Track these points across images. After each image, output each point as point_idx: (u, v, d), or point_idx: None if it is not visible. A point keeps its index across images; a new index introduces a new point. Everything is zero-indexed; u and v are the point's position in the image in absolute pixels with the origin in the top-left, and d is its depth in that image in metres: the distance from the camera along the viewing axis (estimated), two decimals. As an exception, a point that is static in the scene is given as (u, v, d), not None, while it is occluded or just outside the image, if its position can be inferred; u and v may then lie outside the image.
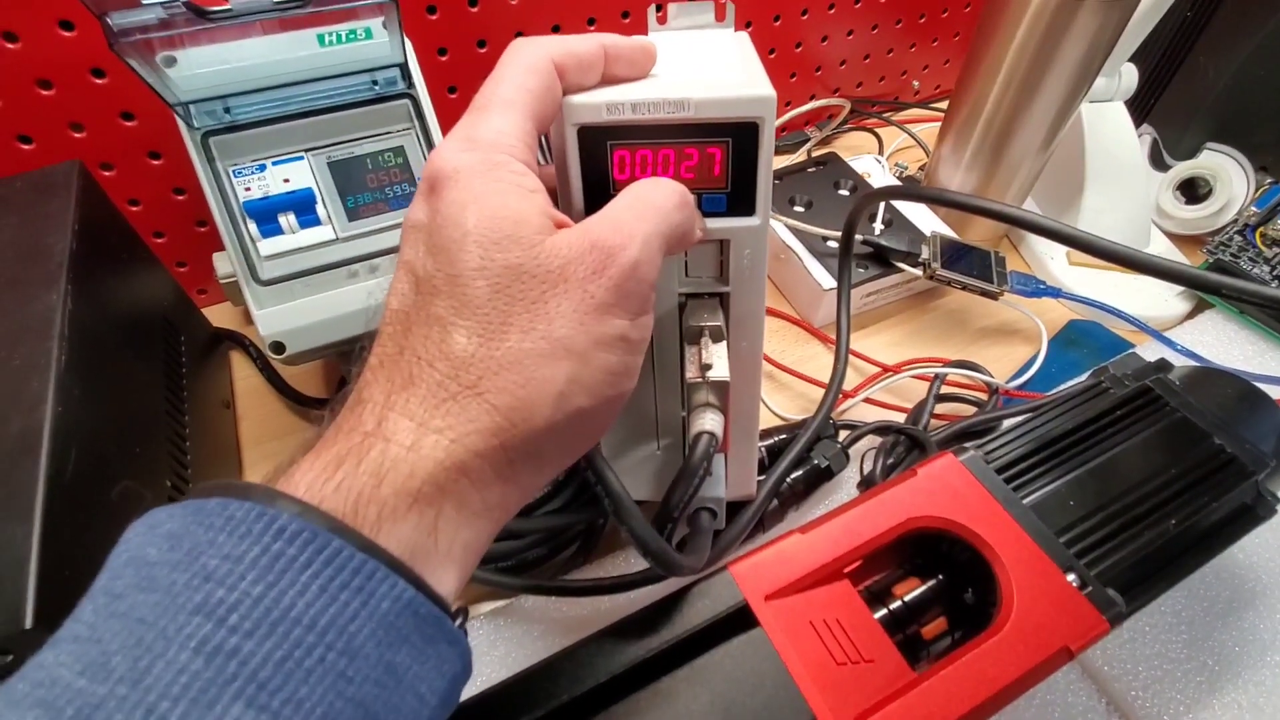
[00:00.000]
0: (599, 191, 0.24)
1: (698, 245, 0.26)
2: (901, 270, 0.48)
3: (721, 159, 0.24)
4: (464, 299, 0.18)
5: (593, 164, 0.24)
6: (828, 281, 0.47)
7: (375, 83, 0.36)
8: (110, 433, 0.29)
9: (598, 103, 0.22)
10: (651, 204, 0.21)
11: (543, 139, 0.24)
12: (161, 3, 0.27)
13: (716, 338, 0.25)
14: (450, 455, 0.17)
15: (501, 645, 0.34)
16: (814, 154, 0.60)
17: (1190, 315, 0.51)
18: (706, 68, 0.26)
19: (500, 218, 0.18)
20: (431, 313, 0.18)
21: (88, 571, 0.24)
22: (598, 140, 0.23)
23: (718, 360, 0.24)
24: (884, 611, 0.27)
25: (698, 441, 0.24)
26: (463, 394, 0.17)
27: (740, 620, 0.25)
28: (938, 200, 0.46)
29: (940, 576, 0.29)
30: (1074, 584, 0.26)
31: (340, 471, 0.16)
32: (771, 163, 0.24)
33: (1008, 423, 0.40)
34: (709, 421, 0.24)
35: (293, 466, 0.17)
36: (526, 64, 0.21)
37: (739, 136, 0.23)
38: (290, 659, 0.14)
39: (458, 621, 0.18)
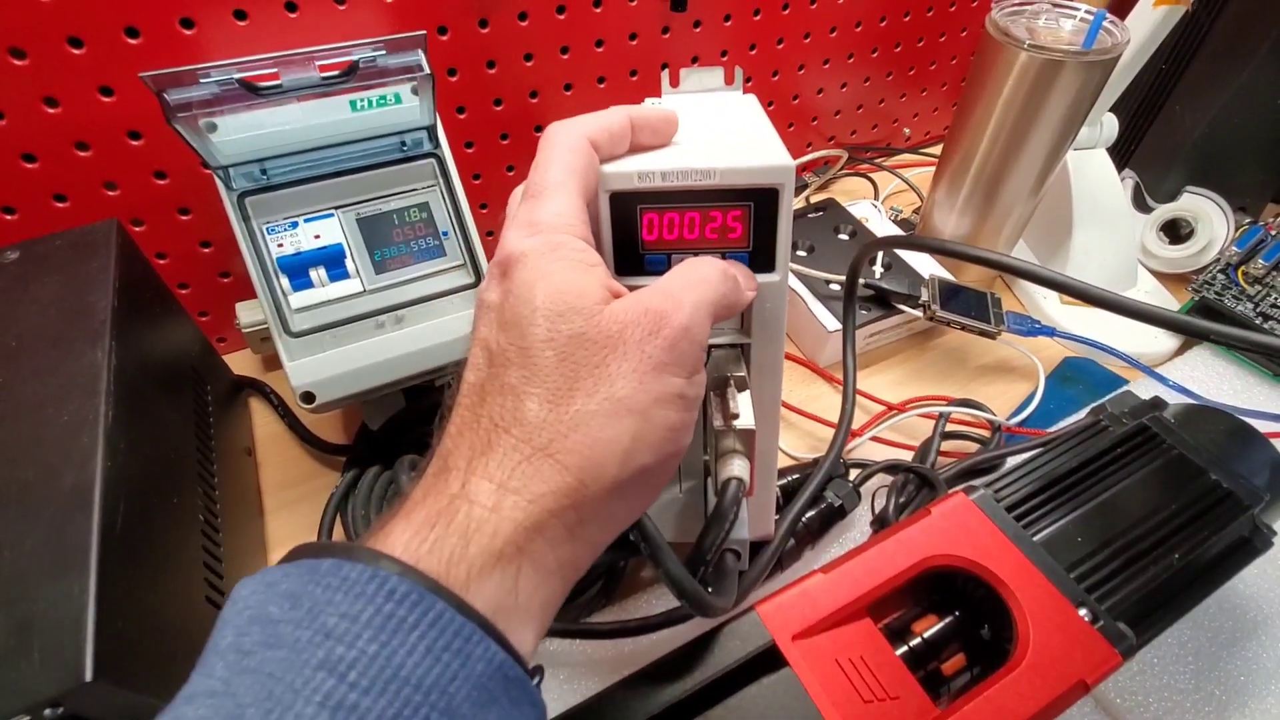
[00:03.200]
0: (628, 250, 0.25)
1: None
2: (902, 311, 0.50)
3: (744, 221, 0.25)
4: (534, 368, 0.19)
5: (623, 226, 0.25)
6: (832, 324, 0.49)
7: (404, 144, 0.38)
8: (152, 484, 0.30)
9: (629, 171, 0.24)
10: (697, 275, 0.22)
11: None
12: (217, 80, 0.29)
13: (741, 387, 0.26)
14: (528, 515, 0.18)
15: (528, 688, 0.34)
16: (813, 200, 0.63)
17: (1180, 351, 0.53)
18: (726, 134, 0.28)
19: (564, 292, 0.20)
20: (505, 382, 0.20)
21: (139, 622, 0.25)
22: (628, 205, 0.25)
23: (744, 409, 0.26)
24: (905, 649, 0.28)
25: (727, 487, 0.25)
26: (536, 456, 0.19)
27: (769, 660, 0.26)
28: (937, 250, 0.48)
29: (957, 613, 0.30)
30: (1086, 618, 0.27)
31: (433, 533, 0.18)
32: (790, 224, 0.25)
33: (1013, 460, 0.41)
34: (737, 468, 0.25)
35: (387, 527, 0.18)
36: (567, 145, 0.23)
37: (760, 201, 0.25)
38: (400, 716, 0.15)
39: (536, 681, 0.19)
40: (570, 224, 0.22)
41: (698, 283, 0.22)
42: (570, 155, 0.23)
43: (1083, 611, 0.27)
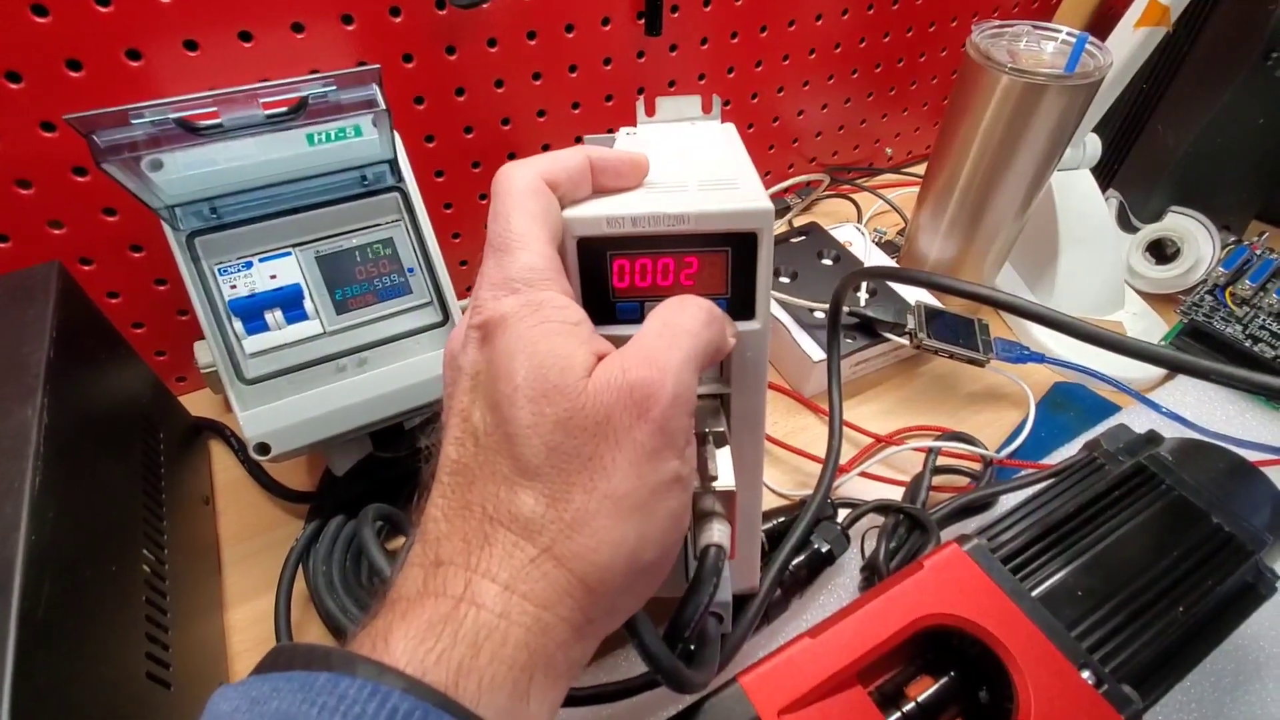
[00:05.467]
0: (599, 298, 0.24)
1: None
2: (888, 340, 0.49)
3: (721, 267, 0.24)
4: (522, 460, 0.18)
5: (592, 273, 0.23)
6: (817, 354, 0.48)
7: (365, 178, 0.36)
8: (86, 555, 0.28)
9: (598, 216, 0.23)
10: (680, 328, 0.21)
11: None
12: (151, 120, 0.27)
13: (720, 443, 0.25)
14: (538, 622, 0.17)
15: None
16: (796, 223, 0.62)
17: (1170, 375, 0.52)
18: (702, 172, 0.26)
19: (546, 366, 0.19)
20: (496, 470, 0.19)
21: (65, 717, 0.23)
22: (598, 251, 0.23)
23: (722, 469, 0.24)
24: (898, 714, 0.26)
25: (705, 555, 0.23)
26: (541, 558, 0.18)
27: (755, 738, 0.24)
28: (923, 284, 0.46)
29: (952, 673, 0.28)
30: (1089, 681, 0.25)
31: (439, 642, 0.16)
32: (771, 268, 0.24)
33: (1008, 502, 0.40)
34: (716, 533, 0.23)
35: (384, 629, 0.17)
36: (525, 189, 0.21)
37: (738, 246, 0.23)
38: None
39: None
40: (547, 278, 0.20)
41: (681, 336, 0.20)
42: (530, 199, 0.21)
43: (1085, 674, 0.26)
